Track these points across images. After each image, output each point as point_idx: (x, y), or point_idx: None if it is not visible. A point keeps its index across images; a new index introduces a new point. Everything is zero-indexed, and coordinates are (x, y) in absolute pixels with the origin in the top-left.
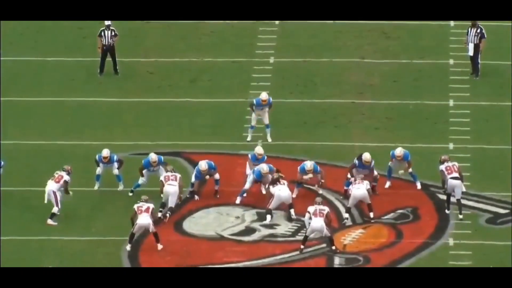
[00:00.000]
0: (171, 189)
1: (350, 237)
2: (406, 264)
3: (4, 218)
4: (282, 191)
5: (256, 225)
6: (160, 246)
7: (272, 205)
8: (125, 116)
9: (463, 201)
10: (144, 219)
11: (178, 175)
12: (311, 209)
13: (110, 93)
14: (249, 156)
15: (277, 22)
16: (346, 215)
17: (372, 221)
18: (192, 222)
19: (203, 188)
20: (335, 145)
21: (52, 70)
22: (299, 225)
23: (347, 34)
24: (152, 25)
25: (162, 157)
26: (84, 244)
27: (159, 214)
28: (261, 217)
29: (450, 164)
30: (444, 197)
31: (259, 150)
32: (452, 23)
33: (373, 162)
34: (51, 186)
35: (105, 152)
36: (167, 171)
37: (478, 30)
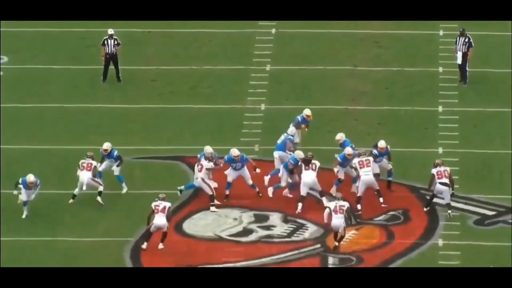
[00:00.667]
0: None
1: (343, 238)
2: (397, 264)
3: (9, 220)
4: (305, 177)
5: (253, 226)
6: (161, 246)
7: (302, 191)
8: (128, 122)
9: (452, 203)
10: (160, 220)
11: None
12: (331, 205)
13: (113, 100)
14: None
15: (273, 31)
16: (359, 207)
17: (383, 205)
18: (192, 223)
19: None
20: (329, 149)
21: (57, 77)
22: (294, 226)
23: (340, 43)
24: (154, 34)
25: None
26: (87, 245)
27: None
28: (258, 219)
29: (442, 169)
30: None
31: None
32: (441, 32)
33: (388, 148)
34: (85, 175)
35: (106, 145)
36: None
37: (466, 39)
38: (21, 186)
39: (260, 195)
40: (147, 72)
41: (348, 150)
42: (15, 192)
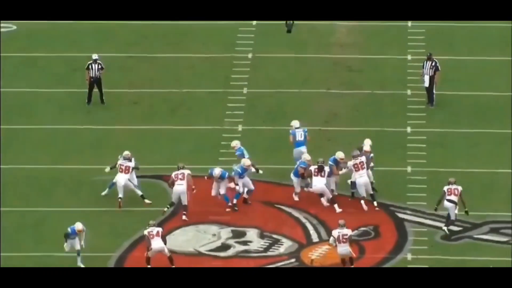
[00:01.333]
0: (180, 188)
1: (317, 253)
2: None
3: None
4: (315, 182)
5: (231, 241)
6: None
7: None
8: (112, 142)
9: (420, 219)
10: (158, 244)
11: (186, 172)
12: (334, 233)
13: (98, 121)
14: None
15: (249, 56)
16: (365, 207)
17: (377, 208)
18: (173, 239)
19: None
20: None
21: (45, 100)
22: (270, 241)
23: (314, 67)
24: (136, 59)
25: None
26: (72, 261)
27: (165, 209)
28: (235, 235)
29: (453, 187)
30: (411, 217)
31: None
32: (409, 57)
33: (371, 154)
34: (123, 177)
35: (126, 153)
36: (179, 168)
37: (433, 63)
38: (71, 235)
39: (236, 209)
40: (129, 95)
41: (340, 154)
42: (66, 246)
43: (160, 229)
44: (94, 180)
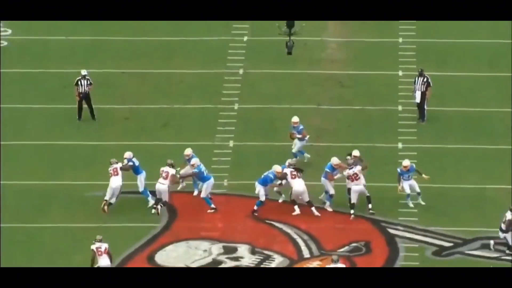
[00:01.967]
0: (161, 187)
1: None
2: None
3: None
4: (296, 185)
5: (222, 257)
6: None
7: (293, 196)
8: (103, 157)
9: (411, 235)
10: (104, 262)
11: (172, 172)
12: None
13: (89, 137)
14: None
15: (240, 71)
16: (352, 211)
17: (371, 212)
18: (164, 255)
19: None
20: None
21: (36, 116)
22: (262, 257)
23: (305, 83)
24: (127, 75)
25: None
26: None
27: (153, 211)
28: (227, 251)
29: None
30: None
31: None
32: (400, 72)
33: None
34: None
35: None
36: (167, 164)
37: (425, 79)
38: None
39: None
40: (121, 111)
41: (334, 160)
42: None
43: (107, 245)
44: (86, 196)
